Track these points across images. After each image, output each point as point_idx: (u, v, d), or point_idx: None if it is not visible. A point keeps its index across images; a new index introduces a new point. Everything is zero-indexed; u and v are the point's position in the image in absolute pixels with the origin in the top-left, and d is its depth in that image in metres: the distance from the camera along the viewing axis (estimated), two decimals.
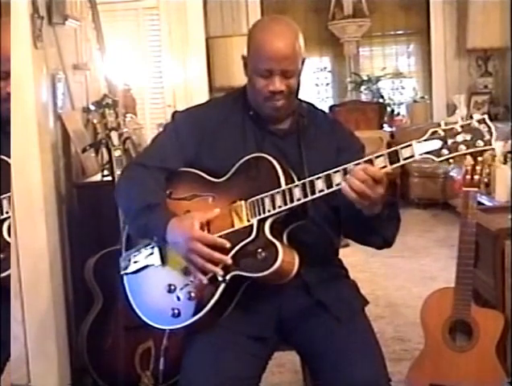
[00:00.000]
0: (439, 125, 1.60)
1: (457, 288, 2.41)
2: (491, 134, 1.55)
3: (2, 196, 1.93)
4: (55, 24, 3.05)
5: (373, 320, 1.94)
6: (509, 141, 3.47)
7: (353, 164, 1.63)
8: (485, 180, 3.13)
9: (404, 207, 6.23)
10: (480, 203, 2.94)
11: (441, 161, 1.59)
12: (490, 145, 1.55)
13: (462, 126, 1.57)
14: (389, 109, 7.41)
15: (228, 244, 1.71)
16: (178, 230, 1.74)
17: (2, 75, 1.89)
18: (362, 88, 7.46)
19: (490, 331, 2.38)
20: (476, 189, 2.41)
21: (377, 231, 1.80)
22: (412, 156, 1.59)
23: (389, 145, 6.80)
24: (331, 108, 7.15)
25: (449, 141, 1.57)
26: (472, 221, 2.40)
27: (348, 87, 7.47)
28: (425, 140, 1.59)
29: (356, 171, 1.61)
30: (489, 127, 1.55)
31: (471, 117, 1.58)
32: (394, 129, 7.11)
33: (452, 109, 7.02)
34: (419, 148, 1.59)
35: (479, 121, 1.56)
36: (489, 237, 2.64)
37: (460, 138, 1.56)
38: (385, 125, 7.25)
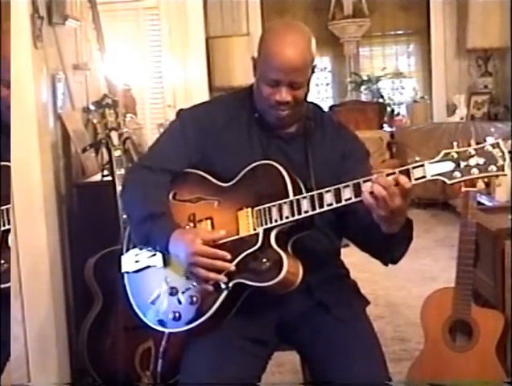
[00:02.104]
0: (451, 144, 1.56)
1: (457, 288, 2.42)
2: (504, 160, 1.52)
3: (7, 206, 1.91)
4: (55, 24, 3.05)
5: (373, 320, 1.94)
6: (509, 141, 3.47)
7: (363, 180, 1.60)
8: (485, 180, 3.13)
9: None
10: (480, 203, 2.95)
11: (452, 183, 1.57)
12: (503, 170, 1.52)
13: (476, 149, 1.54)
14: (389, 109, 7.40)
15: (228, 256, 1.70)
16: (180, 243, 1.73)
17: (5, 83, 1.89)
18: (362, 88, 7.45)
19: (490, 331, 2.38)
20: (476, 189, 2.41)
21: (389, 250, 1.76)
22: (424, 177, 1.57)
23: (389, 145, 6.81)
24: (331, 108, 7.14)
25: (462, 164, 1.55)
26: (472, 221, 2.40)
27: (348, 87, 7.47)
28: (437, 161, 1.56)
29: (379, 176, 1.56)
30: (502, 152, 1.53)
31: (485, 140, 1.55)
32: (394, 129, 7.11)
33: (452, 109, 7.01)
34: (431, 169, 1.56)
35: (493, 146, 1.54)
36: (489, 237, 2.64)
37: (473, 162, 1.54)
38: (385, 125, 7.25)
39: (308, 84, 1.85)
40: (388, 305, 3.97)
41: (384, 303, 3.98)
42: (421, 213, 6.33)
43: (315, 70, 1.87)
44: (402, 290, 4.24)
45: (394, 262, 1.83)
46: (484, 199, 3.48)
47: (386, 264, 1.85)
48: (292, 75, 1.76)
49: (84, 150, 3.07)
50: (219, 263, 1.70)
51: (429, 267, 4.69)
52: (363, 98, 7.49)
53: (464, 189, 2.40)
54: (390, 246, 1.74)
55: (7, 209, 1.91)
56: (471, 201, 2.40)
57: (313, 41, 1.82)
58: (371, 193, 1.56)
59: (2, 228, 1.90)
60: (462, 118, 6.82)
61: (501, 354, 2.41)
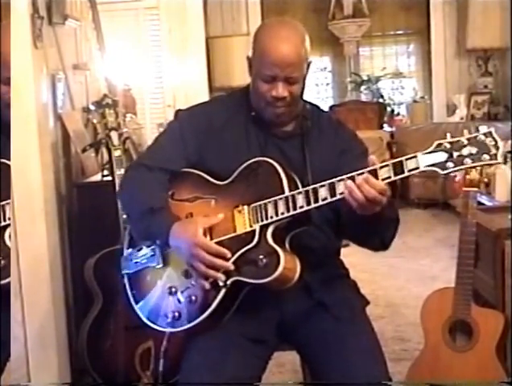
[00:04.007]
0: (445, 136, 1.57)
1: (457, 288, 2.42)
2: (497, 148, 1.53)
3: (4, 202, 1.91)
4: (55, 24, 3.05)
5: (373, 320, 1.94)
6: (510, 141, 3.47)
7: (357, 173, 1.61)
8: (485, 180, 3.13)
9: (404, 207, 6.23)
10: (480, 203, 2.94)
11: (446, 174, 1.57)
12: (496, 159, 1.53)
13: (468, 139, 1.54)
14: (389, 109, 7.41)
15: (229, 255, 1.71)
16: (181, 235, 1.74)
17: (4, 80, 1.89)
18: (362, 88, 7.46)
19: (490, 331, 2.38)
20: (476, 189, 2.41)
21: (376, 232, 1.77)
22: (417, 168, 1.57)
23: (389, 145, 6.82)
24: (331, 108, 7.14)
25: (455, 154, 1.55)
26: (473, 221, 2.40)
27: (348, 87, 7.47)
28: (430, 152, 1.57)
29: (357, 181, 1.59)
30: (495, 141, 1.53)
31: (477, 130, 1.55)
32: (394, 129, 7.11)
33: (452, 109, 7.02)
34: (424, 160, 1.56)
35: (485, 135, 1.54)
36: (489, 237, 2.64)
37: (465, 151, 1.54)
38: (385, 125, 7.25)
39: (304, 81, 1.85)
40: (388, 305, 3.97)
41: (384, 303, 3.98)
42: (421, 213, 6.34)
43: (311, 66, 1.87)
44: (402, 290, 4.24)
45: (386, 246, 1.83)
46: (484, 199, 3.48)
47: (376, 249, 1.85)
48: (288, 70, 1.77)
49: (84, 150, 3.07)
50: (219, 261, 1.71)
51: (429, 267, 4.69)
52: (363, 98, 7.50)
53: (464, 189, 2.40)
54: (376, 228, 1.74)
55: (3, 206, 1.90)
56: (471, 201, 2.40)
57: (307, 37, 1.82)
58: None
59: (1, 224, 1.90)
60: (462, 118, 6.83)
61: (501, 354, 2.41)
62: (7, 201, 1.92)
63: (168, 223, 1.77)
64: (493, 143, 1.54)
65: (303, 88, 1.86)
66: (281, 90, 1.79)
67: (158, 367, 2.05)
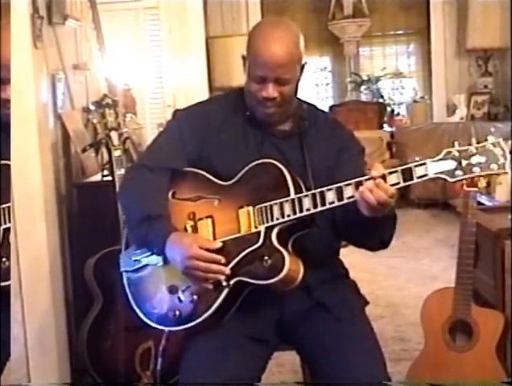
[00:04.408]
0: (453, 144, 1.59)
1: (457, 288, 2.42)
2: (505, 158, 1.54)
3: (7, 204, 1.91)
4: (55, 24, 3.05)
5: (373, 320, 1.94)
6: (510, 141, 3.47)
7: (366, 178, 1.61)
8: (486, 179, 3.12)
9: (404, 207, 6.22)
10: (480, 203, 2.95)
11: (454, 181, 1.58)
12: (504, 169, 1.55)
13: (477, 148, 1.56)
14: (389, 109, 7.41)
15: (223, 260, 1.72)
16: (176, 247, 1.74)
17: (4, 80, 1.88)
18: (362, 88, 7.46)
19: (490, 331, 2.38)
20: (476, 189, 2.41)
21: (375, 232, 1.77)
22: (426, 175, 1.59)
23: (389, 145, 6.81)
24: (331, 108, 7.14)
25: (463, 163, 1.57)
26: (473, 221, 2.40)
27: (348, 87, 7.47)
28: (439, 159, 1.58)
29: (370, 185, 1.59)
30: (503, 150, 1.55)
31: (486, 140, 1.57)
32: (394, 129, 7.11)
33: (452, 109, 7.02)
34: (434, 167, 1.58)
35: (494, 144, 1.56)
36: (489, 237, 2.64)
37: (474, 160, 1.56)
38: (385, 125, 7.25)
39: (297, 82, 1.84)
40: (388, 305, 3.97)
41: (384, 303, 3.98)
42: (421, 213, 6.34)
43: (306, 67, 1.86)
44: (402, 290, 4.24)
45: (385, 245, 1.83)
46: (484, 199, 3.48)
47: (375, 249, 1.86)
48: (278, 71, 1.77)
49: (84, 150, 3.07)
50: (215, 266, 1.71)
51: (429, 267, 4.69)
52: (363, 98, 7.50)
53: (466, 188, 2.40)
54: (376, 228, 1.74)
55: (8, 207, 1.90)
56: (471, 201, 2.40)
57: (301, 38, 1.82)
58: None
59: (3, 226, 1.89)
60: (462, 118, 6.83)
61: (501, 354, 2.41)
62: (10, 204, 1.92)
63: (166, 233, 1.77)
64: (502, 153, 1.55)
65: (296, 89, 1.85)
66: (271, 91, 1.79)
67: (157, 366, 2.06)
